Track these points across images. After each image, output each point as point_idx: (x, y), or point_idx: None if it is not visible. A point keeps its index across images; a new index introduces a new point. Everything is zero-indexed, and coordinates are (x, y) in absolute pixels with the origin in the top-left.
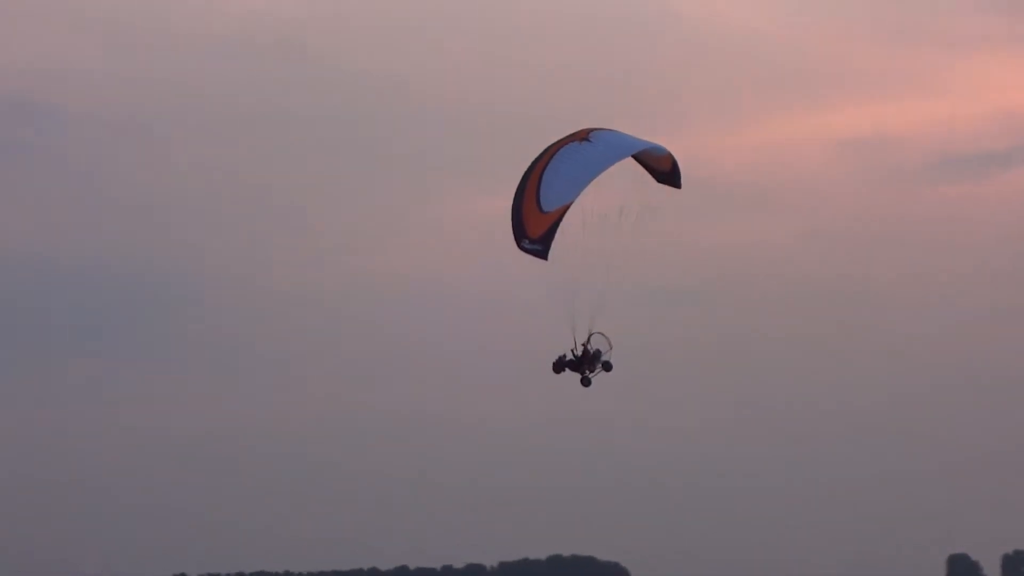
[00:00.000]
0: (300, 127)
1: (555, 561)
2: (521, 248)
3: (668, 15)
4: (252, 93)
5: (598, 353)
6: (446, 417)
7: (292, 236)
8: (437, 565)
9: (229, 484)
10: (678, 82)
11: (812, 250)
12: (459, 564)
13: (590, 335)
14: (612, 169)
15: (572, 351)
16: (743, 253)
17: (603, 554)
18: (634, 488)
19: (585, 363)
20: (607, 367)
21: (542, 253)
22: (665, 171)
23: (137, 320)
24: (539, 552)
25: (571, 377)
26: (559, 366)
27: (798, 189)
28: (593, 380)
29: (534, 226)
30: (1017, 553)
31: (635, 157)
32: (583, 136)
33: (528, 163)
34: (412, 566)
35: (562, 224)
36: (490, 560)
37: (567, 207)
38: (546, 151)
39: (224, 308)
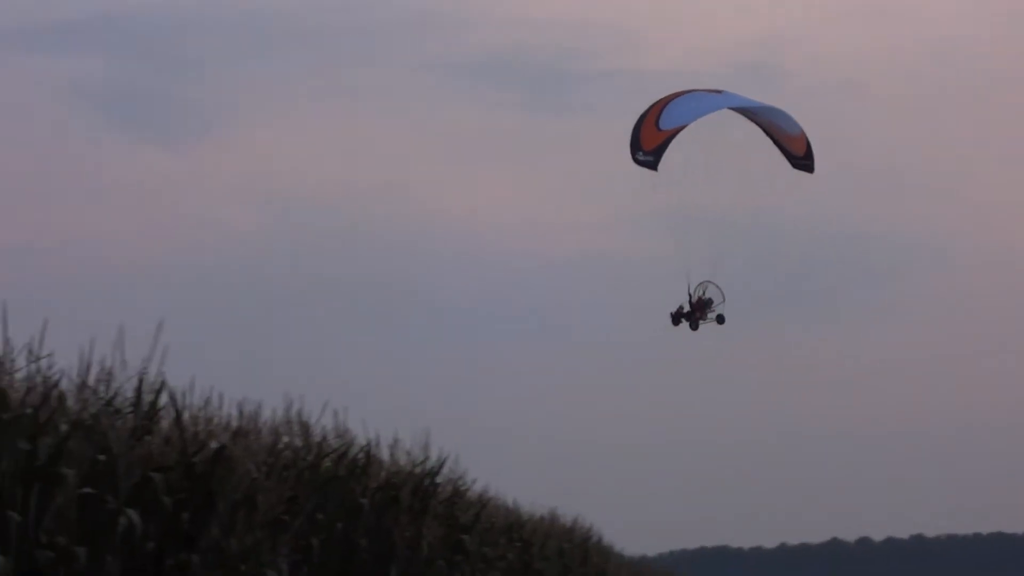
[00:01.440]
0: None
1: None
2: (635, 160)
3: None
4: None
5: (710, 301)
6: None
7: None
8: None
9: None
10: None
11: None
12: None
13: (702, 284)
14: (749, 147)
15: (689, 302)
16: None
17: None
18: None
19: (696, 311)
20: (720, 320)
21: (653, 164)
22: (799, 155)
23: None
24: None
25: None
26: (676, 318)
27: None
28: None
29: (649, 141)
30: None
31: (769, 135)
32: (715, 90)
33: None
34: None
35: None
36: None
37: (683, 127)
38: (676, 93)
39: None
